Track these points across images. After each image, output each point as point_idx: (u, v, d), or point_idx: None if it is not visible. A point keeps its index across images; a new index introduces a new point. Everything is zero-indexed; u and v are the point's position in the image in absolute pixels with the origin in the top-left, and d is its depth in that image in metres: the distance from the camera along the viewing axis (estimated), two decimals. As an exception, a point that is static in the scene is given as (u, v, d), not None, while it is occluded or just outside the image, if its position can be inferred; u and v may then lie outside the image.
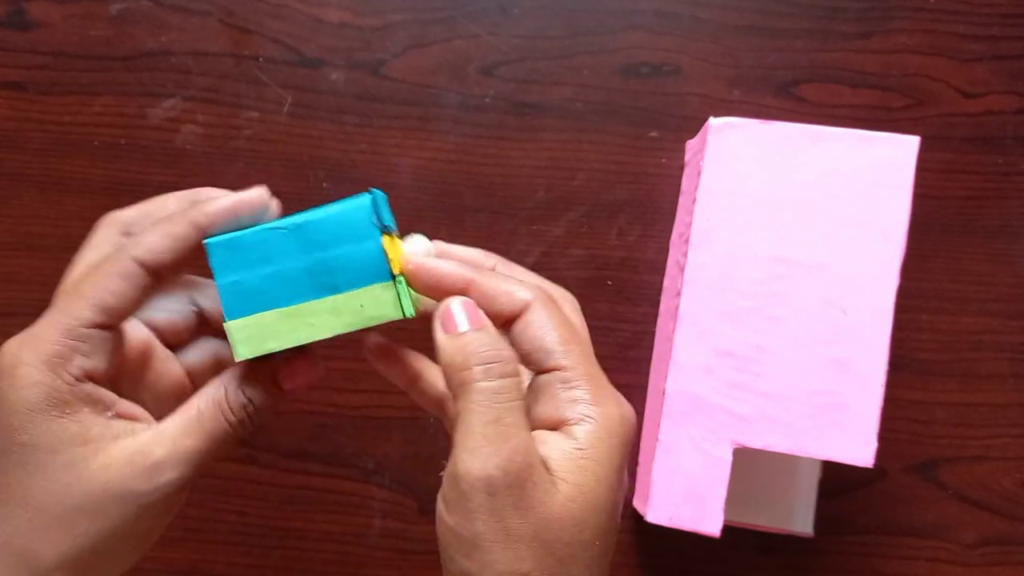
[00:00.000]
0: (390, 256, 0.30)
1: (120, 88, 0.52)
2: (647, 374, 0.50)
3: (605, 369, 0.51)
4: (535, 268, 0.51)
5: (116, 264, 0.30)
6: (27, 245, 0.52)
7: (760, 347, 0.42)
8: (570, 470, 0.29)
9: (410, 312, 0.31)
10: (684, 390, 0.42)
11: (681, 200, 0.50)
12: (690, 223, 0.44)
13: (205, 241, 0.30)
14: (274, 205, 0.33)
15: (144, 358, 0.33)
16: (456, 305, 0.30)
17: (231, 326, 0.30)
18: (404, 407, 0.50)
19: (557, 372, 0.30)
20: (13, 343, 0.30)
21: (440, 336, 0.30)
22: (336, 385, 0.51)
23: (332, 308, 0.30)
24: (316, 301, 0.30)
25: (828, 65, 0.51)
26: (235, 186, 0.53)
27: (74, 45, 0.52)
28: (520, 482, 0.28)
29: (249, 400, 0.32)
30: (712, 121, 0.44)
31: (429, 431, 0.51)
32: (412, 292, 0.31)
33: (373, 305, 0.30)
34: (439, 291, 0.31)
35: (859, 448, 0.41)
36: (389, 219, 0.31)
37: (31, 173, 0.52)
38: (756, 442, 0.41)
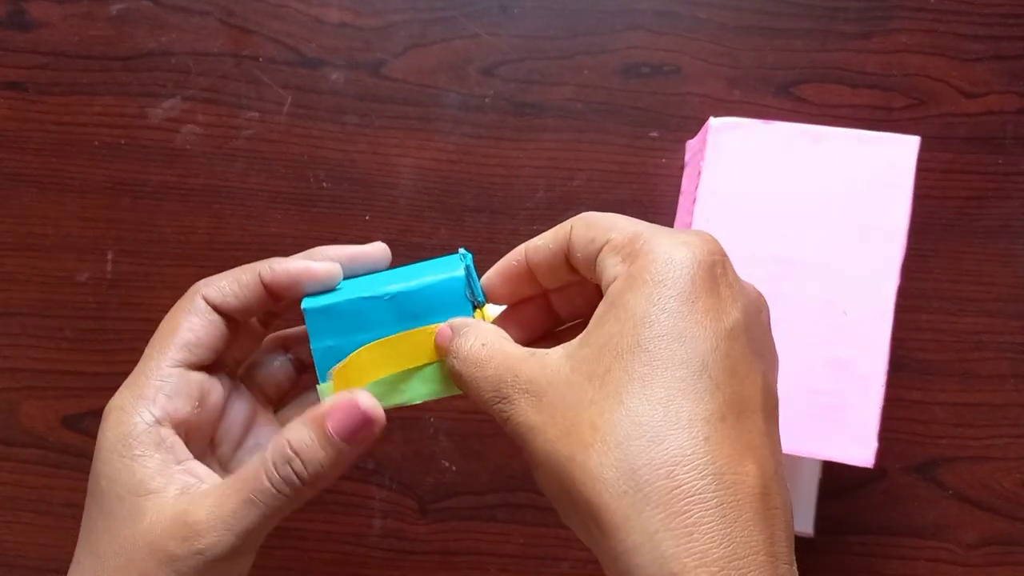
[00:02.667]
0: None
1: (120, 88, 0.52)
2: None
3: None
4: (535, 268, 0.51)
5: (188, 303, 0.32)
6: (27, 245, 0.52)
7: None
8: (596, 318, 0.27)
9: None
10: None
11: (681, 200, 0.50)
12: (690, 223, 0.44)
13: (302, 306, 0.31)
14: (375, 254, 0.33)
15: (248, 423, 0.34)
16: (438, 331, 0.30)
17: (323, 388, 0.31)
18: (404, 407, 0.50)
19: (607, 244, 0.28)
20: (119, 392, 0.31)
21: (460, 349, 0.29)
22: (336, 385, 0.51)
23: (421, 376, 0.31)
24: (406, 370, 0.31)
25: (828, 65, 0.51)
26: (235, 186, 0.54)
27: (74, 45, 0.52)
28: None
29: (295, 453, 0.29)
30: (712, 121, 0.44)
31: (429, 431, 0.51)
32: None
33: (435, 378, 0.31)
34: (503, 280, 0.31)
35: (859, 448, 0.41)
36: (479, 291, 0.31)
37: (31, 173, 0.52)
38: None
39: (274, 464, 0.29)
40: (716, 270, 0.26)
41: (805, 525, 0.48)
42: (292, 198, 0.52)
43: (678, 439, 0.23)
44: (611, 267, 0.27)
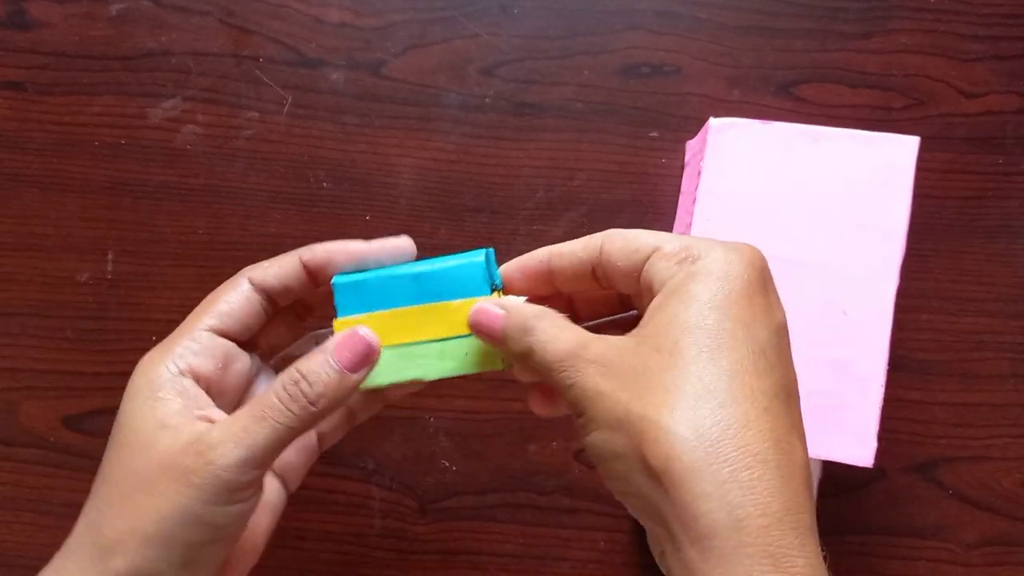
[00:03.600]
0: None
1: (120, 88, 0.52)
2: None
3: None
4: (535, 268, 0.51)
5: (233, 282, 0.35)
6: (27, 245, 0.52)
7: None
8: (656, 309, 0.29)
9: (508, 364, 0.33)
10: None
11: (681, 200, 0.50)
12: (690, 223, 0.44)
13: (332, 281, 0.34)
14: (402, 246, 0.35)
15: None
16: (479, 307, 0.32)
17: None
18: (404, 407, 0.50)
19: (656, 252, 0.30)
20: (151, 351, 0.33)
21: (521, 336, 0.31)
22: (336, 385, 0.51)
23: (439, 352, 0.33)
24: (427, 344, 0.33)
25: (828, 65, 0.51)
26: (235, 186, 0.54)
27: (74, 45, 0.52)
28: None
29: (302, 376, 0.31)
30: (712, 121, 0.44)
31: (429, 431, 0.51)
32: None
33: (476, 354, 0.33)
34: (530, 276, 0.33)
35: (859, 448, 0.41)
36: (497, 277, 0.34)
37: (31, 173, 0.52)
38: None
39: (283, 385, 0.31)
40: (765, 275, 0.30)
41: None
42: (292, 198, 0.52)
43: (743, 406, 0.27)
44: (664, 270, 0.30)
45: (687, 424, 0.26)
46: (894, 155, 0.42)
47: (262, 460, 0.31)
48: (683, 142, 0.51)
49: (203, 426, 0.31)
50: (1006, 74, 0.51)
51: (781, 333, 0.29)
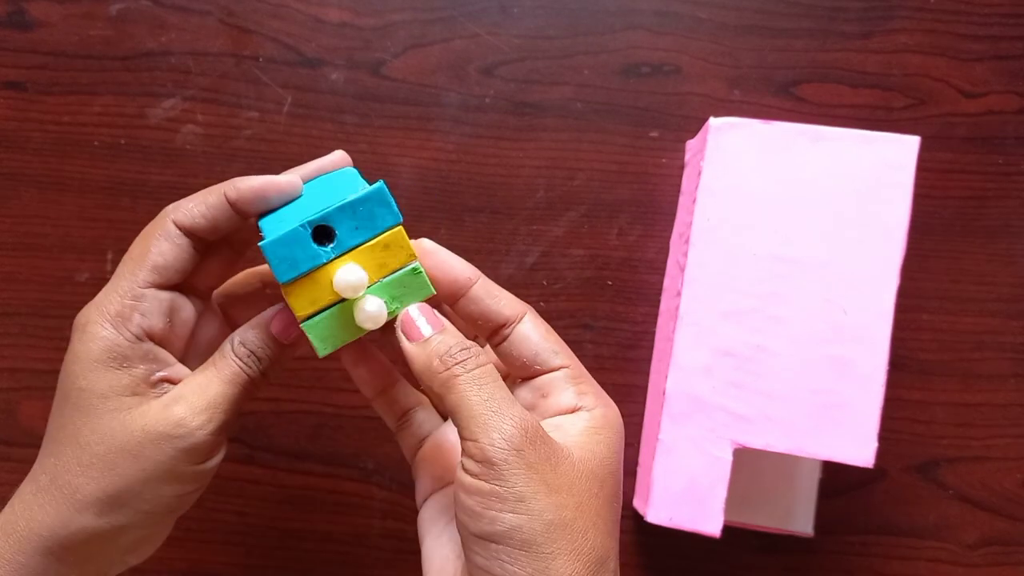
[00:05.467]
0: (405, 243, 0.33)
1: (120, 88, 0.52)
2: (647, 374, 0.50)
3: (605, 369, 0.51)
4: (535, 268, 0.51)
5: (158, 228, 0.34)
6: (27, 245, 0.52)
7: (760, 347, 0.42)
8: (583, 442, 0.32)
9: (434, 291, 0.33)
10: (684, 390, 0.42)
11: (681, 200, 0.50)
12: (690, 223, 0.44)
13: (260, 244, 0.33)
14: (337, 160, 0.37)
15: (216, 342, 0.37)
16: (415, 312, 0.33)
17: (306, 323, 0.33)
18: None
19: (565, 370, 0.34)
20: (85, 309, 0.34)
21: (408, 345, 0.32)
22: (336, 385, 0.51)
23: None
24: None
25: (828, 65, 0.51)
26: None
27: (74, 45, 0.52)
28: (540, 437, 0.30)
29: (251, 351, 0.35)
30: (712, 121, 0.44)
31: (429, 431, 0.50)
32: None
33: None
34: (448, 278, 0.34)
35: (859, 448, 0.41)
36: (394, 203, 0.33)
37: (31, 173, 0.52)
38: (756, 442, 0.41)
39: (235, 351, 0.34)
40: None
41: (805, 525, 0.48)
42: (292, 198, 0.52)
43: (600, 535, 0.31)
44: (574, 397, 0.33)
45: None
46: (894, 155, 0.42)
47: (230, 422, 0.34)
48: (683, 142, 0.51)
49: (174, 392, 0.34)
50: (1006, 74, 0.51)
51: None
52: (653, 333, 0.51)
